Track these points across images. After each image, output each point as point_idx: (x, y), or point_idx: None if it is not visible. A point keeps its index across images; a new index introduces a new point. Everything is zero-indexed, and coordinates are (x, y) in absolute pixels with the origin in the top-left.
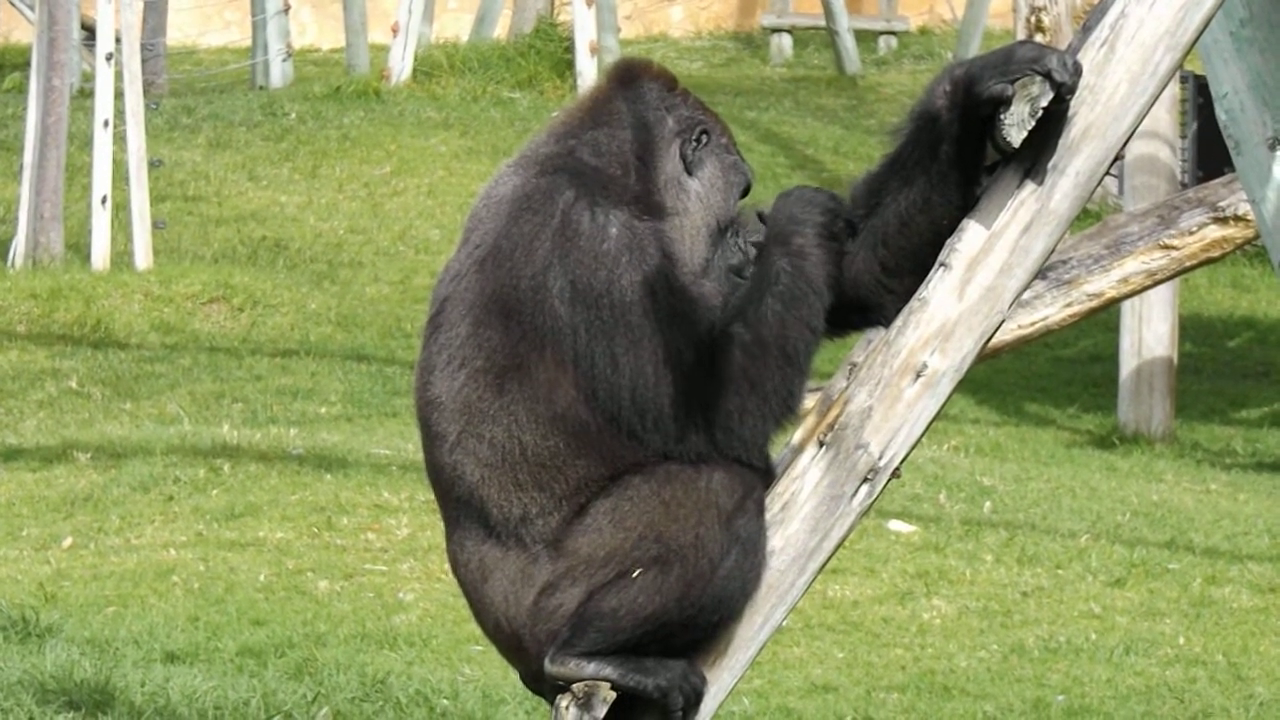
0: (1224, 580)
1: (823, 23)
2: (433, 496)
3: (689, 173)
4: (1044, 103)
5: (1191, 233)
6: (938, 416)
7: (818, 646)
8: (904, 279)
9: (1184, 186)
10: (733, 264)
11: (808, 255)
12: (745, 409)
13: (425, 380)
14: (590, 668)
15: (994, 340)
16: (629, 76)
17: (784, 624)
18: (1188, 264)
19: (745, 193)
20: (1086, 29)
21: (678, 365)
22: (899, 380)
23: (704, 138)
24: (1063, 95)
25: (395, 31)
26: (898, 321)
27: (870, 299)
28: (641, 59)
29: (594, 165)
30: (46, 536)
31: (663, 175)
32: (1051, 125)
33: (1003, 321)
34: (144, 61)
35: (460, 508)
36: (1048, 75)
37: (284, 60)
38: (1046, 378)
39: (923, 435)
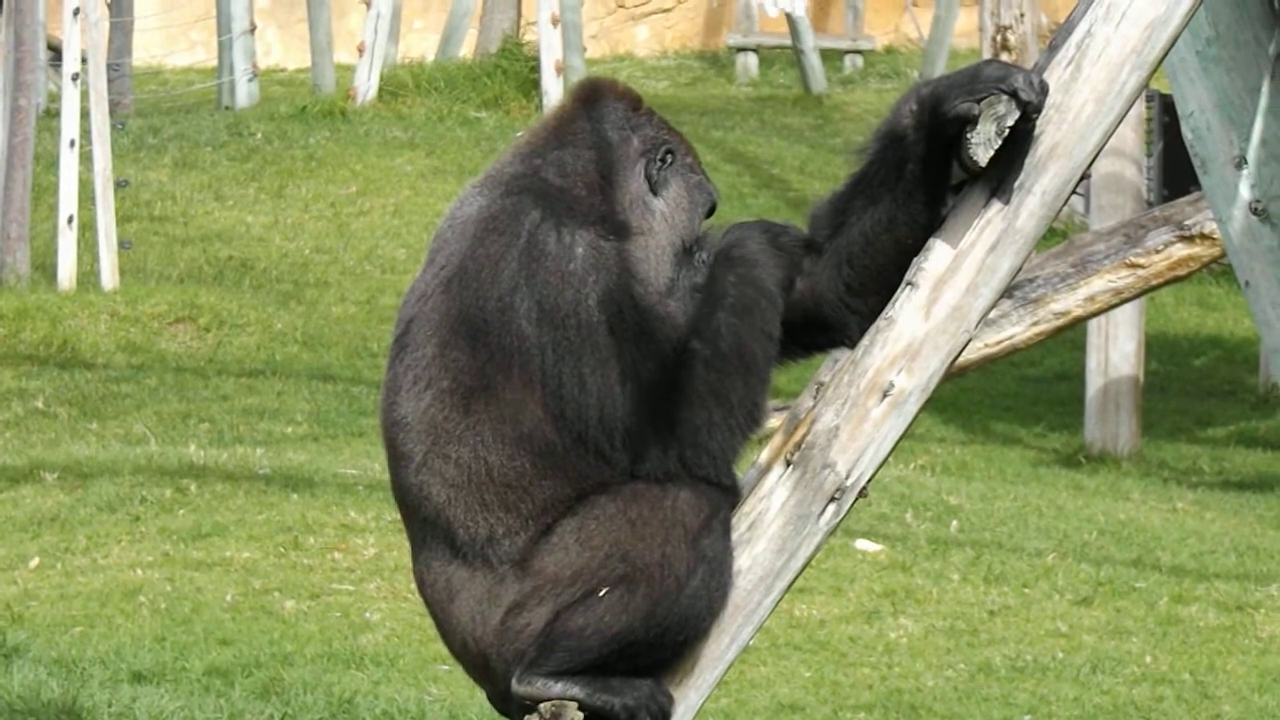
0: (1191, 599)
1: (788, 42)
2: (399, 516)
3: (654, 192)
4: (1010, 122)
5: (1158, 251)
6: (904, 435)
7: (784, 666)
8: (868, 299)
9: (1150, 205)
10: (698, 283)
11: (754, 263)
12: (712, 423)
13: (391, 401)
14: (557, 687)
15: (960, 359)
16: (593, 96)
17: (751, 643)
18: (1154, 282)
19: (710, 212)
20: (1053, 48)
21: (645, 383)
22: (866, 399)
23: (669, 157)
24: (1029, 114)
25: (361, 51)
26: (864, 341)
27: (834, 318)
28: (606, 79)
29: (559, 185)
30: (13, 557)
31: (628, 195)
32: (1018, 144)
33: (969, 340)
34: (110, 82)
35: (427, 528)
36: (1014, 94)
37: (250, 80)
38: (1013, 396)
39: (889, 454)
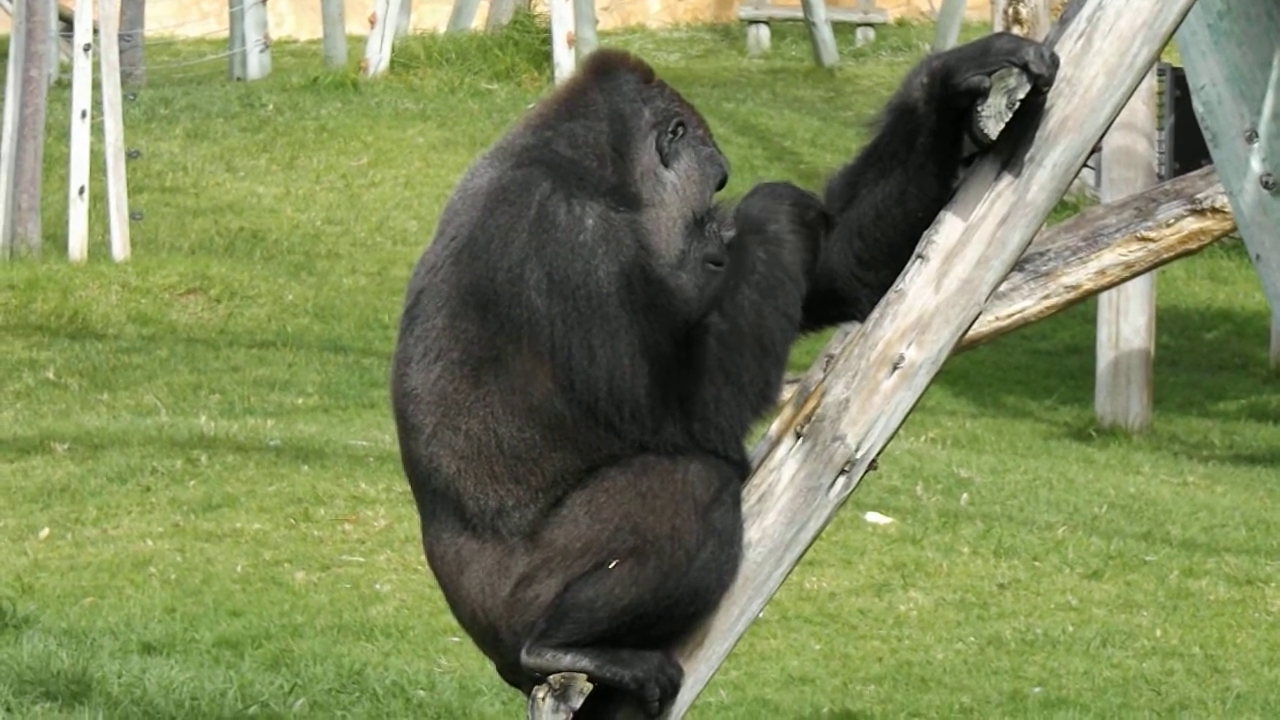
0: (1201, 572)
1: (800, 14)
2: (409, 488)
3: (665, 165)
4: (1021, 95)
5: (1169, 225)
6: (915, 408)
7: (794, 638)
8: (879, 271)
9: (1161, 179)
10: (709, 254)
11: (784, 242)
12: (721, 399)
13: (401, 372)
14: (567, 659)
15: (971, 332)
16: (605, 68)
17: (761, 616)
18: (1165, 256)
19: (721, 184)
20: (1064, 21)
21: (654, 356)
22: (876, 372)
23: (680, 130)
24: (1040, 87)
25: (373, 23)
26: (875, 313)
27: (845, 291)
28: (618, 50)
29: (570, 157)
30: (24, 527)
31: (639, 167)
32: (1028, 117)
33: (980, 313)
34: (121, 52)
35: (437, 499)
36: (1025, 67)
37: (261, 51)
38: (1024, 370)
39: (900, 427)
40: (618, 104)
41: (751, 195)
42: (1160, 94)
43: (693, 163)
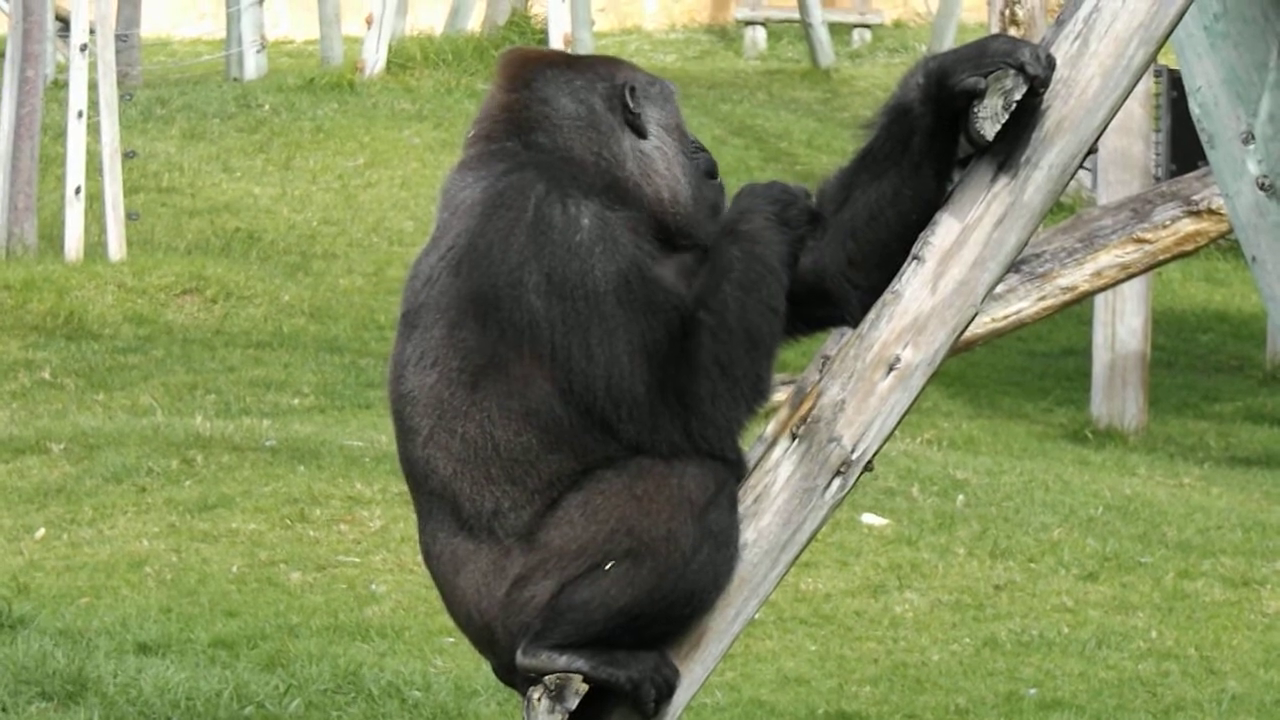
0: (1196, 574)
1: (797, 16)
2: (406, 488)
3: (643, 137)
4: (1017, 96)
5: (1165, 226)
6: (910, 410)
7: (790, 639)
8: (870, 273)
9: (1157, 181)
10: (701, 169)
11: (758, 239)
12: (716, 393)
13: (399, 374)
14: (562, 660)
15: (967, 333)
16: (528, 75)
17: (756, 617)
18: (1161, 257)
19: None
20: (1060, 22)
21: (652, 354)
22: (872, 373)
23: (632, 94)
24: (1036, 88)
25: (369, 23)
26: (870, 314)
27: (836, 293)
28: (517, 51)
29: (562, 157)
30: (19, 527)
31: (626, 156)
32: (1025, 119)
33: (976, 315)
34: (118, 53)
35: (433, 501)
36: (1021, 68)
37: (258, 52)
38: (1020, 371)
39: (895, 428)
40: (566, 106)
41: (735, 198)
42: (1157, 96)
43: (658, 111)
